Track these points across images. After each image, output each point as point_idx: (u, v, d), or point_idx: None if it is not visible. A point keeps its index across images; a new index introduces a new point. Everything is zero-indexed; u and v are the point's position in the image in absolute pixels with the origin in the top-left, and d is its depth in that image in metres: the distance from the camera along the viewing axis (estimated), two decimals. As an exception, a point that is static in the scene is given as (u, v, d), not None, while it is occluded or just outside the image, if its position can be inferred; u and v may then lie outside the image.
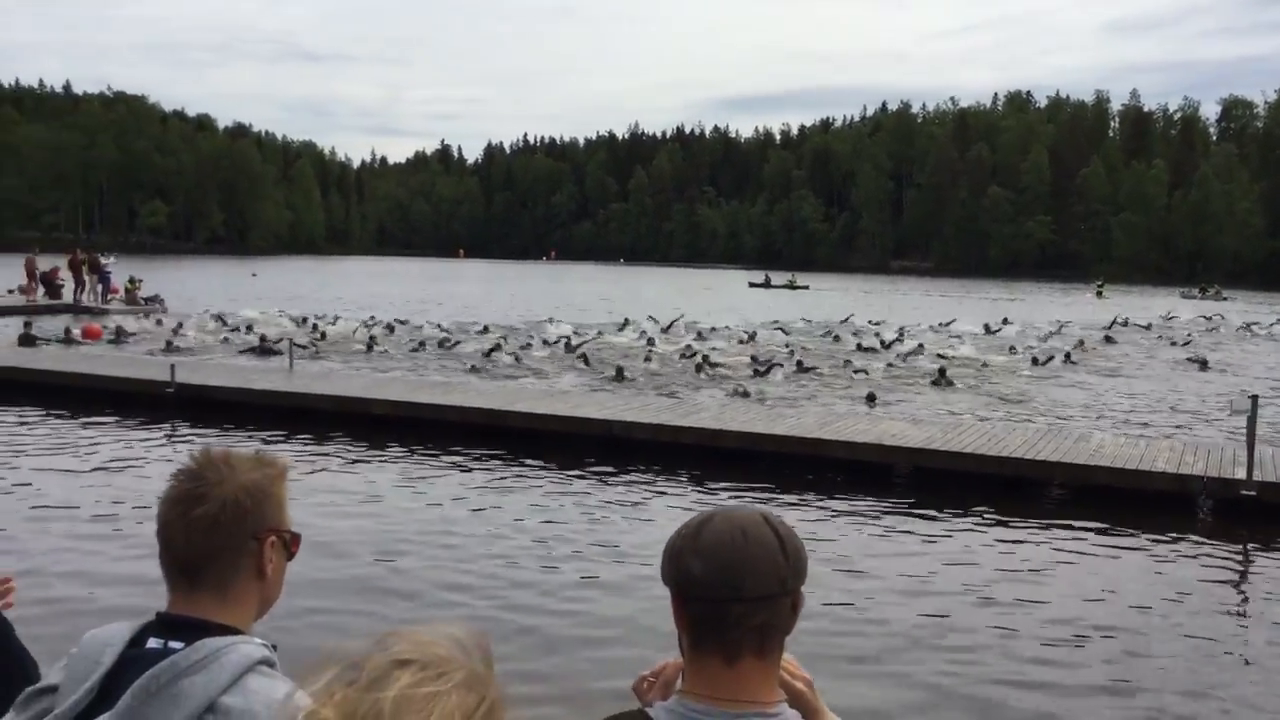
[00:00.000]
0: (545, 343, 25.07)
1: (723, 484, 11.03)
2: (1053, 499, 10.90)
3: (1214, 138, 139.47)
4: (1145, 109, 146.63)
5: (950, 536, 9.40)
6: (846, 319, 35.00)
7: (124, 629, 1.54)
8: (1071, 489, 10.94)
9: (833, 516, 9.92)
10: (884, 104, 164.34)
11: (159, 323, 28.07)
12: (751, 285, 71.04)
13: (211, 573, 1.56)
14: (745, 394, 17.99)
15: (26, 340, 22.91)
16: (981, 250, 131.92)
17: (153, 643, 1.50)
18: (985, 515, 10.00)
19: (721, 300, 51.86)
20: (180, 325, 26.39)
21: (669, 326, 30.60)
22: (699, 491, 10.81)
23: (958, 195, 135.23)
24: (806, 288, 69.15)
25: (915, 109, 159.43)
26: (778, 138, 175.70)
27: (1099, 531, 9.54)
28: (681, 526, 1.51)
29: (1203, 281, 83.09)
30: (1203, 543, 9.39)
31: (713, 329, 30.46)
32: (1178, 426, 16.48)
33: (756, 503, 10.29)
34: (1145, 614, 7.50)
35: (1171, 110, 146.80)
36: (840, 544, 8.93)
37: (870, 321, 34.63)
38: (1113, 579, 8.33)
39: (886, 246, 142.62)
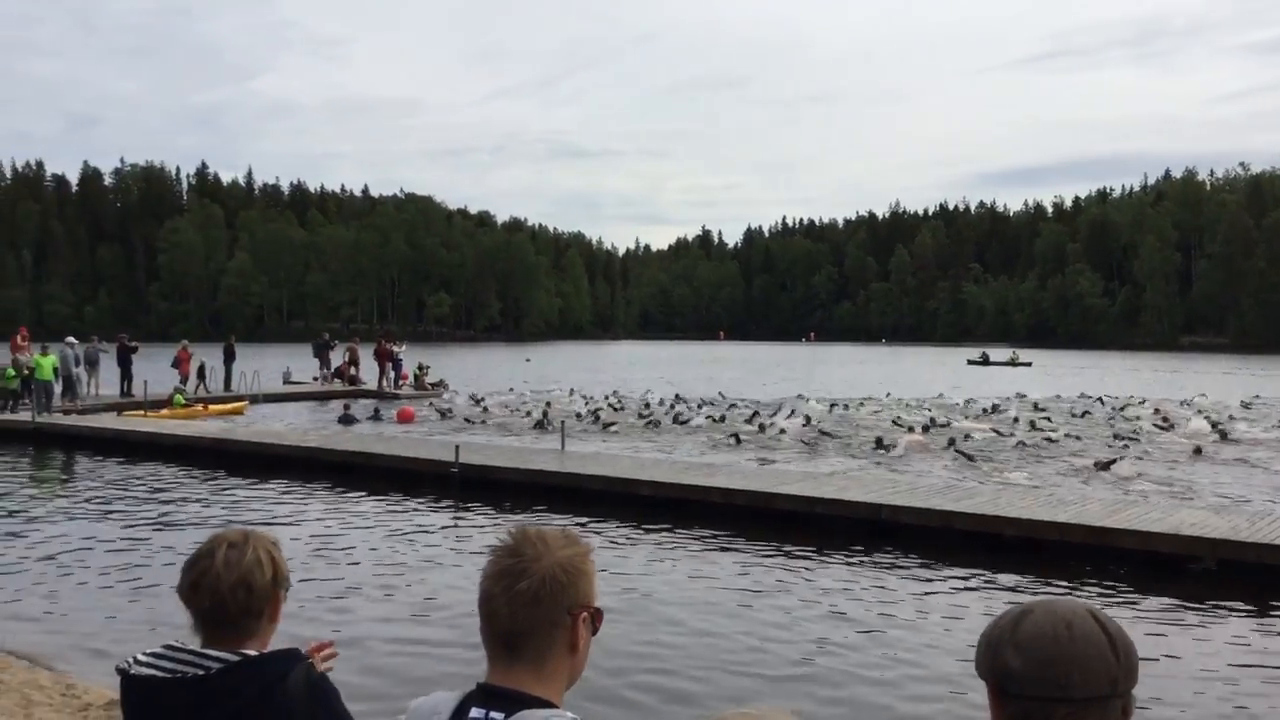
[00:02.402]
0: (806, 418, 25.12)
1: (1001, 574, 10.48)
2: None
3: None
4: None
5: (1258, 639, 8.51)
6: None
7: (449, 698, 1.64)
8: None
9: (1126, 613, 9.20)
10: (1167, 171, 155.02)
11: (468, 400, 31.77)
12: (970, 363, 69.89)
13: (530, 646, 1.64)
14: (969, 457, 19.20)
15: (347, 420, 25.23)
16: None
17: (475, 712, 1.59)
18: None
19: (943, 377, 51.06)
20: (484, 404, 29.79)
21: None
22: (976, 582, 10.32)
23: (1254, 265, 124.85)
24: (1029, 364, 66.91)
25: (1202, 175, 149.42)
26: (1049, 210, 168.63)
27: None
28: (999, 617, 1.44)
29: None
30: None
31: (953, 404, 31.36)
32: None
33: (1035, 595, 9.72)
34: None
35: None
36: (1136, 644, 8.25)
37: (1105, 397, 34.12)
38: None
39: (1175, 321, 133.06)
